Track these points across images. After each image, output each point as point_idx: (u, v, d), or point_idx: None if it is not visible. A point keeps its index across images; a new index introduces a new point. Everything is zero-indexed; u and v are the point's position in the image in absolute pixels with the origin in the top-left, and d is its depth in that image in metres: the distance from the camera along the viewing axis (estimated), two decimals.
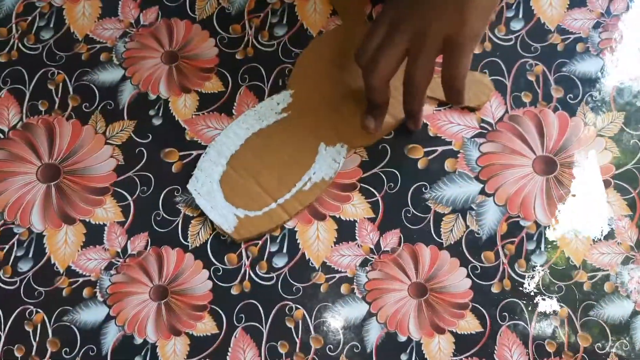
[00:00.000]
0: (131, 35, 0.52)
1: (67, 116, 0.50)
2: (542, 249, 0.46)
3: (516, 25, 0.52)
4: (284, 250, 0.46)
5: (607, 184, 0.47)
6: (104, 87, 0.51)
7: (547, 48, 0.51)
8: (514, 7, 0.52)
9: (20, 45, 0.52)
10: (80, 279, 0.46)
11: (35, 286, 0.46)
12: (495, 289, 0.45)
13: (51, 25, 0.52)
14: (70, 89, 0.51)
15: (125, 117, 0.50)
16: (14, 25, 0.53)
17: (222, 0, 0.53)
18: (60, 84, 0.51)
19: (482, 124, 0.49)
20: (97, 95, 0.50)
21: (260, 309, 0.45)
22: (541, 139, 0.48)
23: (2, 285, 0.46)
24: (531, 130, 0.49)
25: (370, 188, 0.48)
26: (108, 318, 0.45)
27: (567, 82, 0.50)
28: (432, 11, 0.41)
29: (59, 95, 0.50)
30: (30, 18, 0.53)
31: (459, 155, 0.48)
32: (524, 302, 0.45)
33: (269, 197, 0.46)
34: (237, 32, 0.52)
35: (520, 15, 0.52)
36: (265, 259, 0.46)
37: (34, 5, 0.53)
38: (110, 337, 0.44)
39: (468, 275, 0.45)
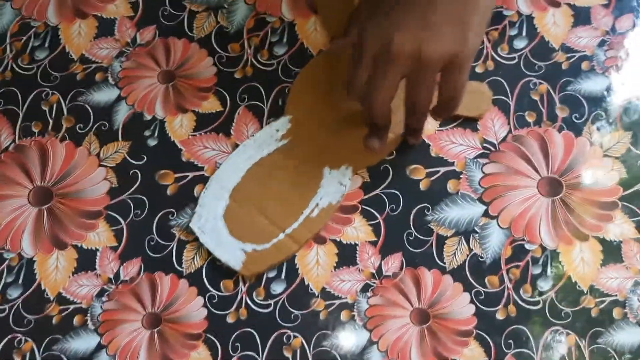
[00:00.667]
0: (127, 55, 0.51)
1: (60, 137, 0.49)
2: (548, 273, 0.44)
3: (519, 43, 0.51)
4: (283, 276, 0.45)
5: (614, 205, 0.46)
6: (99, 107, 0.50)
7: (551, 66, 0.50)
8: (517, 26, 0.51)
9: (14, 65, 0.51)
10: (71, 306, 0.44)
11: (25, 314, 0.44)
12: (500, 316, 0.44)
13: (46, 45, 0.52)
14: (65, 110, 0.50)
15: (120, 138, 0.49)
16: (8, 45, 0.52)
17: (220, 18, 0.52)
18: (55, 105, 0.50)
19: (484, 144, 0.48)
20: (92, 115, 0.49)
21: (257, 337, 0.43)
22: (546, 159, 0.47)
23: None
24: (535, 150, 0.47)
25: (372, 210, 0.46)
26: (99, 347, 0.43)
27: (572, 101, 0.49)
28: (429, 33, 0.39)
29: (53, 116, 0.49)
30: (25, 38, 0.52)
31: (461, 176, 0.47)
32: (530, 329, 0.43)
33: (276, 228, 0.45)
34: (236, 51, 0.51)
35: (524, 34, 0.51)
36: (262, 285, 0.45)
37: (29, 25, 0.52)
38: None
39: (472, 301, 0.44)
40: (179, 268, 0.45)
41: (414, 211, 0.46)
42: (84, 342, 0.44)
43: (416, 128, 0.45)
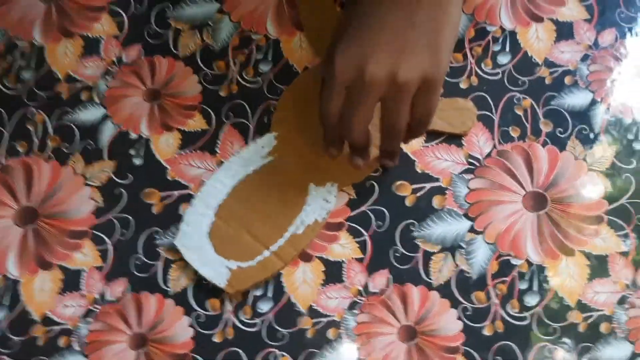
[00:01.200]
0: (113, 74, 0.51)
1: (46, 157, 0.49)
2: (535, 288, 0.45)
3: (503, 59, 0.51)
4: (269, 294, 0.45)
5: (599, 220, 0.46)
6: (85, 126, 0.50)
7: (534, 81, 0.50)
8: (500, 41, 0.51)
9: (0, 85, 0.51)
10: (57, 327, 0.44)
11: (10, 336, 0.44)
12: (487, 332, 0.44)
13: (32, 65, 0.52)
14: (50, 130, 0.50)
15: (105, 158, 0.49)
16: None
17: (206, 36, 0.52)
18: (40, 125, 0.50)
19: (469, 160, 0.48)
20: (77, 135, 0.49)
21: (244, 357, 0.43)
22: (530, 174, 0.47)
23: None
24: (520, 165, 0.48)
25: (358, 227, 0.46)
26: None
27: (556, 116, 0.49)
28: (404, 56, 0.39)
29: (39, 136, 0.49)
30: (11, 58, 0.52)
31: (447, 191, 0.47)
32: (518, 345, 0.43)
33: (261, 245, 0.45)
34: (221, 69, 0.51)
35: (507, 49, 0.51)
36: (249, 303, 0.45)
37: (15, 45, 0.52)
38: None
39: (459, 317, 0.44)
40: (165, 287, 0.45)
41: (400, 227, 0.46)
42: None
43: (393, 151, 0.45)
